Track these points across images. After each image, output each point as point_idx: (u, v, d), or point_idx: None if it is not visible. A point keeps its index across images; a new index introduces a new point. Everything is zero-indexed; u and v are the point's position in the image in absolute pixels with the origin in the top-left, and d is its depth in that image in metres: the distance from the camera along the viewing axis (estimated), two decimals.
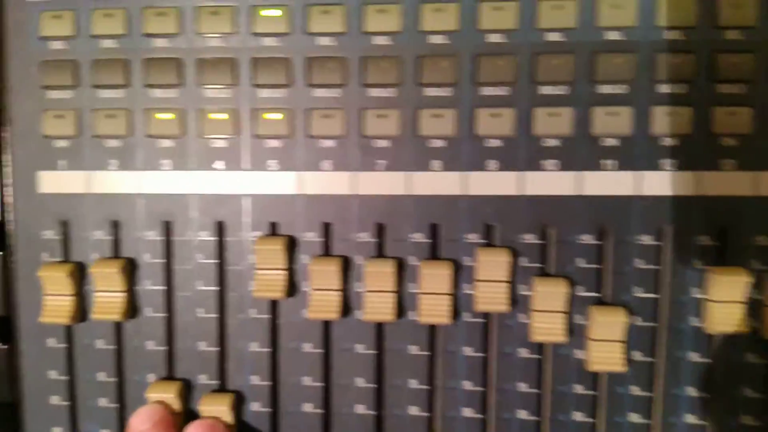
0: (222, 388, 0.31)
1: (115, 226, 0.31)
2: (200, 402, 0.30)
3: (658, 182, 0.29)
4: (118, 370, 0.32)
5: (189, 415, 0.31)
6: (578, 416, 0.30)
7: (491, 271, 0.29)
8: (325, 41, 0.29)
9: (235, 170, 0.30)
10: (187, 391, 0.31)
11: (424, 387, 0.30)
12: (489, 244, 0.30)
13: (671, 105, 0.28)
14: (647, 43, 0.28)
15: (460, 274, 0.30)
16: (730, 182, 0.28)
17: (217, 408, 0.30)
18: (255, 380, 0.31)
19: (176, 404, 0.30)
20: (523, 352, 0.30)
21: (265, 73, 0.30)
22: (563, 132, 0.29)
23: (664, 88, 0.28)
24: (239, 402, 0.31)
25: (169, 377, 0.31)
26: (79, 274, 0.31)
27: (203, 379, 0.31)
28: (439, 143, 0.29)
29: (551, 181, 0.29)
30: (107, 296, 0.31)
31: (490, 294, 0.29)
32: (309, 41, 0.30)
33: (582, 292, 0.29)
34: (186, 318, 0.31)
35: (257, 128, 0.30)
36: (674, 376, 0.29)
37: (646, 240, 0.29)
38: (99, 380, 0.32)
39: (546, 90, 0.29)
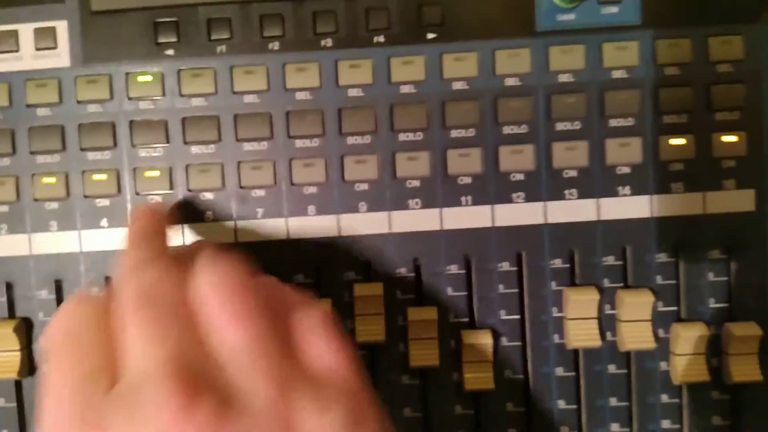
0: None
1: (9, 287, 0.32)
2: None
3: (510, 213, 0.31)
4: (21, 428, 0.33)
5: None
6: None
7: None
8: (197, 102, 0.32)
9: (118, 227, 0.32)
10: None
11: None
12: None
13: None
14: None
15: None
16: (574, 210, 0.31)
17: None
18: None
19: None
20: (405, 379, 0.32)
21: (143, 134, 0.32)
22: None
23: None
24: None
25: None
26: None
27: None
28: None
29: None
30: (5, 356, 0.32)
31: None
32: (184, 102, 0.32)
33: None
34: None
35: (138, 186, 0.32)
36: (545, 391, 0.32)
37: (504, 266, 0.32)
38: None
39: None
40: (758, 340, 0.31)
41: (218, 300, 0.22)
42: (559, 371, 0.32)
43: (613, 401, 0.32)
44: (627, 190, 0.31)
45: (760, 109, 0.32)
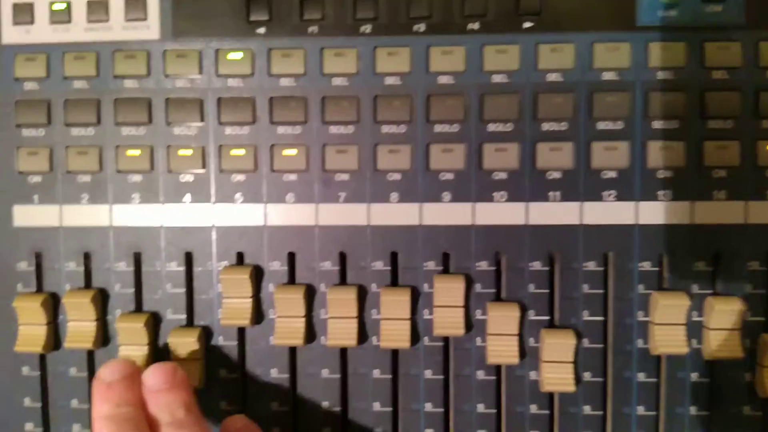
0: None
1: (87, 257, 0.32)
2: None
3: (601, 212, 0.31)
4: (90, 397, 0.33)
5: None
6: None
7: (447, 297, 0.31)
8: (286, 82, 0.31)
9: (202, 202, 0.32)
10: None
11: (387, 409, 0.32)
12: (445, 272, 0.31)
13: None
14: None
15: (419, 300, 0.31)
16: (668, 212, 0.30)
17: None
18: (223, 405, 0.32)
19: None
20: (481, 374, 0.31)
21: (230, 112, 0.31)
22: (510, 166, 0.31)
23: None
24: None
25: None
26: (53, 304, 0.32)
27: None
28: (396, 176, 0.31)
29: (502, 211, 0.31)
30: (80, 325, 0.32)
31: (447, 319, 0.31)
32: (272, 82, 0.31)
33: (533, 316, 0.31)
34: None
35: (223, 163, 0.31)
36: (623, 395, 0.31)
37: (590, 266, 0.31)
38: (72, 407, 0.33)
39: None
40: None
41: None
42: (641, 376, 0.31)
43: (693, 410, 0.31)
44: (722, 194, 0.30)
45: None
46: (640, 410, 0.31)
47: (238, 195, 0.32)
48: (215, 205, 0.32)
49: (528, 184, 0.31)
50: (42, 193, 0.32)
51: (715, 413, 0.31)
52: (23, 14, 0.32)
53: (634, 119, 0.30)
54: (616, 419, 0.31)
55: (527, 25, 0.31)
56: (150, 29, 0.31)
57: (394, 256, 0.31)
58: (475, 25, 0.31)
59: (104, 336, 0.32)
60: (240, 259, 0.32)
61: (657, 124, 0.30)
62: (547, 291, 0.31)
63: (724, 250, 0.30)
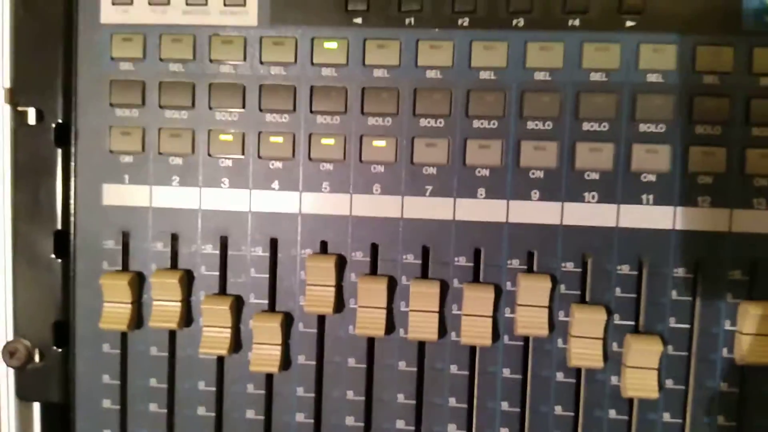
0: (269, 397, 0.33)
1: (174, 238, 0.33)
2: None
3: (692, 217, 0.30)
4: (170, 377, 0.33)
5: None
6: None
7: (532, 297, 0.31)
8: (380, 73, 0.31)
9: (289, 190, 0.32)
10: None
11: (463, 406, 0.32)
12: (530, 270, 0.31)
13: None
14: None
15: (502, 298, 0.31)
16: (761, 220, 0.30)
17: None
18: (300, 391, 0.32)
19: None
20: (560, 376, 0.31)
21: (322, 101, 0.31)
22: (604, 167, 0.30)
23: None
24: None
25: (219, 389, 0.33)
26: (138, 283, 0.33)
27: (251, 389, 0.33)
28: (485, 172, 0.31)
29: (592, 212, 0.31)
30: (165, 305, 0.32)
31: (530, 318, 0.31)
32: (366, 73, 0.31)
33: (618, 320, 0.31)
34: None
35: (312, 152, 0.32)
36: (705, 404, 0.31)
37: (680, 273, 0.30)
38: (151, 386, 0.33)
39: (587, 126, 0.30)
40: None
41: None
42: (724, 386, 0.30)
43: None
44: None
45: None
46: (720, 420, 0.31)
47: (325, 184, 0.32)
48: (302, 193, 0.32)
49: (621, 186, 0.30)
50: (133, 173, 0.33)
51: None
52: None
53: (734, 125, 0.30)
54: (696, 428, 0.31)
55: (629, 23, 0.30)
56: (248, 15, 0.32)
57: (477, 253, 0.31)
58: (576, 22, 0.30)
59: (188, 317, 0.33)
60: (324, 247, 0.32)
61: (756, 131, 0.30)
62: (634, 296, 0.31)
63: None
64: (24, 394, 0.35)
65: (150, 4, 0.32)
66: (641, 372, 0.30)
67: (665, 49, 0.30)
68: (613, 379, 0.31)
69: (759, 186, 0.30)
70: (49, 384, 0.34)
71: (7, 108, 0.33)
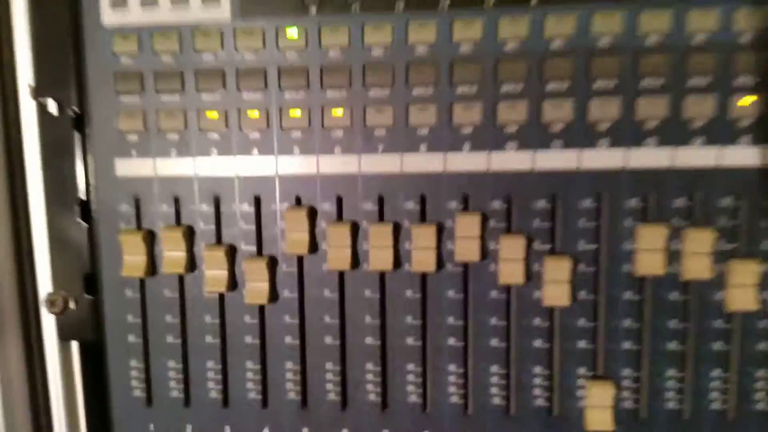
0: (262, 325, 0.40)
1: (177, 201, 0.40)
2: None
3: (593, 157, 0.37)
4: (181, 313, 0.41)
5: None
6: (538, 343, 0.38)
7: (467, 230, 0.38)
8: (333, 53, 0.38)
9: (267, 155, 0.39)
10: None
11: (418, 322, 0.39)
12: (465, 209, 0.38)
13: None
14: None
15: (444, 233, 0.38)
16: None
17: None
18: (287, 319, 0.40)
19: None
20: (494, 294, 0.38)
21: (288, 80, 0.38)
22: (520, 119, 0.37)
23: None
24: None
25: (222, 321, 0.40)
26: (150, 239, 0.40)
27: (247, 319, 0.40)
28: (424, 131, 0.38)
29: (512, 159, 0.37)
30: (173, 255, 0.40)
31: (467, 248, 0.38)
32: (323, 53, 0.38)
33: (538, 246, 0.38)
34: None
35: (283, 122, 0.38)
36: (612, 310, 0.38)
37: (587, 204, 0.37)
38: (167, 322, 0.41)
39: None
40: None
41: None
42: (627, 295, 0.38)
43: (672, 323, 0.37)
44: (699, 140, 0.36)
45: None
46: (627, 323, 0.38)
47: (295, 148, 0.39)
48: (278, 157, 0.39)
49: (536, 136, 0.37)
50: (138, 148, 0.40)
51: (689, 326, 0.37)
52: (118, 0, 0.39)
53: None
54: (608, 330, 0.38)
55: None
56: (222, 10, 0.38)
57: (423, 198, 0.38)
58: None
59: (192, 263, 0.40)
60: (298, 201, 0.39)
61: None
62: (549, 224, 0.38)
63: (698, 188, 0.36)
64: (64, 335, 0.42)
65: (141, 5, 0.39)
66: (557, 285, 0.37)
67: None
68: (536, 293, 0.38)
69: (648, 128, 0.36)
70: (84, 326, 0.42)
71: (32, 104, 0.40)
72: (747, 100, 0.36)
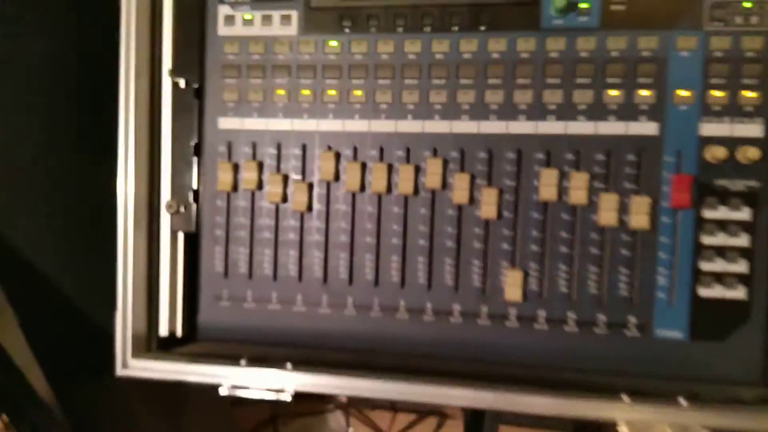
0: (301, 227, 0.62)
1: (254, 146, 0.63)
2: None
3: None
4: (251, 216, 0.63)
5: None
6: (477, 245, 0.59)
7: (434, 170, 0.59)
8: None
9: (312, 119, 0.62)
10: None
11: (400, 229, 0.60)
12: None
13: None
14: None
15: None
16: None
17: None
18: (317, 223, 0.62)
19: None
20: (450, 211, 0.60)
21: (328, 73, 0.61)
22: None
23: None
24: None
25: (276, 224, 0.63)
26: (235, 168, 0.63)
27: (292, 222, 0.62)
28: (411, 106, 0.60)
29: None
30: (249, 177, 0.62)
31: (433, 180, 0.59)
32: (350, 57, 0.61)
33: None
34: None
35: (323, 98, 0.62)
36: (525, 225, 0.58)
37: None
38: (240, 222, 0.63)
39: None
40: None
41: None
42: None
43: None
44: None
45: None
46: (534, 233, 0.58)
47: (330, 115, 0.62)
48: (319, 120, 0.62)
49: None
50: (233, 111, 0.64)
51: (575, 236, 0.58)
52: (229, 20, 0.64)
53: None
54: (521, 238, 0.58)
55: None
56: (291, 28, 0.62)
57: (408, 150, 0.60)
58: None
59: (260, 184, 0.63)
60: (329, 148, 0.62)
61: None
62: (487, 168, 0.59)
63: None
64: (175, 228, 0.65)
65: (243, 24, 0.63)
66: (489, 206, 0.58)
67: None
68: (476, 211, 0.59)
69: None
70: (188, 222, 0.65)
71: (169, 80, 0.65)
72: (615, 92, 0.57)
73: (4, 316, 0.75)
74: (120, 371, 0.62)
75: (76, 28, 0.75)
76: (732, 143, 0.55)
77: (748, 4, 0.55)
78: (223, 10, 0.64)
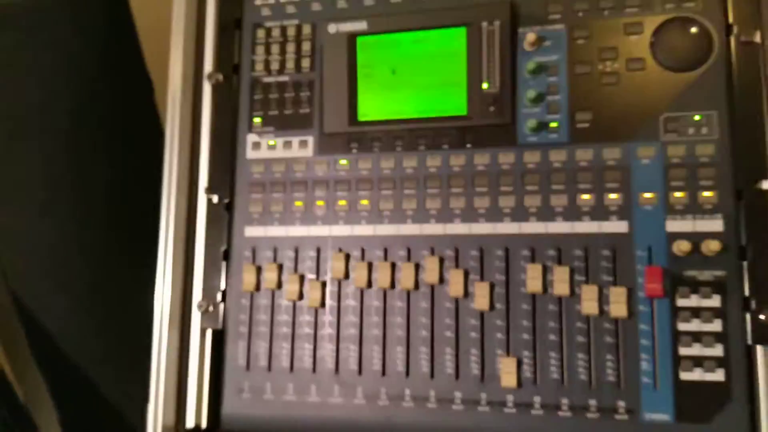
0: (315, 322, 0.70)
1: (275, 250, 0.72)
2: None
3: None
4: (271, 314, 0.71)
5: None
6: (473, 334, 0.65)
7: (431, 266, 0.67)
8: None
9: (325, 225, 0.71)
10: None
11: (404, 322, 0.67)
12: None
13: None
14: None
15: None
16: None
17: None
18: (329, 318, 0.69)
19: None
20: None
21: (339, 187, 0.72)
22: None
23: None
24: None
25: (293, 320, 0.70)
26: (258, 271, 0.72)
27: (308, 317, 0.70)
28: (399, 212, 0.69)
29: None
30: (269, 277, 0.71)
31: (431, 276, 0.67)
32: (359, 172, 0.71)
33: None
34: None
35: (335, 208, 0.71)
36: (515, 315, 0.64)
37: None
38: (261, 319, 0.71)
39: None
40: None
41: None
42: None
43: None
44: None
45: None
46: (524, 323, 0.64)
47: (340, 221, 0.71)
48: (331, 226, 0.71)
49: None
50: (258, 221, 0.73)
51: (562, 325, 0.63)
52: (256, 146, 0.75)
53: None
54: (513, 328, 0.64)
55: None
56: (308, 151, 0.73)
57: (409, 250, 0.68)
58: None
59: (279, 284, 0.71)
60: (339, 250, 0.70)
61: None
62: (479, 264, 0.66)
63: None
64: (204, 325, 0.73)
65: (267, 148, 0.75)
66: (482, 298, 0.65)
67: None
68: (471, 304, 0.66)
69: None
70: (216, 320, 0.72)
71: (204, 197, 0.75)
72: (587, 196, 0.65)
73: (45, 411, 0.82)
74: None
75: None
76: (697, 237, 0.62)
77: (697, 117, 0.64)
78: (251, 138, 0.76)
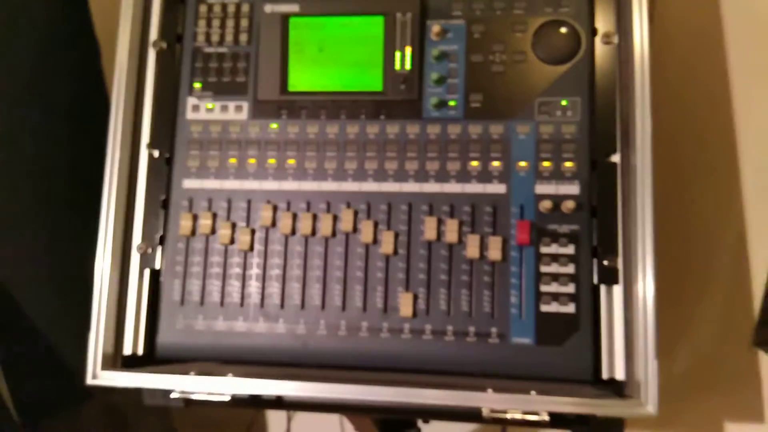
0: (244, 263, 0.80)
1: (210, 201, 0.82)
2: None
3: None
4: (205, 254, 0.80)
5: None
6: (380, 273, 0.78)
7: (348, 218, 0.79)
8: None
9: (256, 180, 0.81)
10: None
11: (321, 264, 0.79)
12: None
13: None
14: None
15: None
16: None
17: None
18: (256, 258, 0.80)
19: None
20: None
21: (269, 147, 0.82)
22: None
23: None
24: None
25: (225, 259, 0.80)
26: (194, 218, 0.81)
27: (238, 260, 0.80)
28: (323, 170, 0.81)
29: None
30: (204, 224, 0.81)
31: (346, 224, 0.79)
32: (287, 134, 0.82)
33: None
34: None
35: (265, 164, 0.82)
36: (414, 258, 0.78)
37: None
38: (196, 259, 0.81)
39: None
40: None
41: None
42: None
43: None
44: None
45: None
46: (421, 265, 0.77)
47: (269, 176, 0.81)
48: (262, 182, 0.81)
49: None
50: (195, 173, 0.83)
51: (450, 266, 0.77)
52: (195, 108, 0.84)
53: None
54: (412, 268, 0.77)
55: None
56: (243, 114, 0.83)
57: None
58: None
59: (213, 229, 0.81)
60: (268, 201, 0.81)
61: None
62: (386, 216, 0.79)
63: None
64: (143, 265, 0.82)
65: (206, 111, 0.84)
66: (388, 244, 0.78)
67: None
68: (380, 249, 0.78)
69: None
70: (153, 260, 0.81)
71: (146, 151, 0.84)
72: (475, 163, 0.79)
73: None
74: (90, 381, 0.76)
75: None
76: (558, 198, 0.77)
77: (564, 103, 0.79)
78: (191, 101, 0.85)
